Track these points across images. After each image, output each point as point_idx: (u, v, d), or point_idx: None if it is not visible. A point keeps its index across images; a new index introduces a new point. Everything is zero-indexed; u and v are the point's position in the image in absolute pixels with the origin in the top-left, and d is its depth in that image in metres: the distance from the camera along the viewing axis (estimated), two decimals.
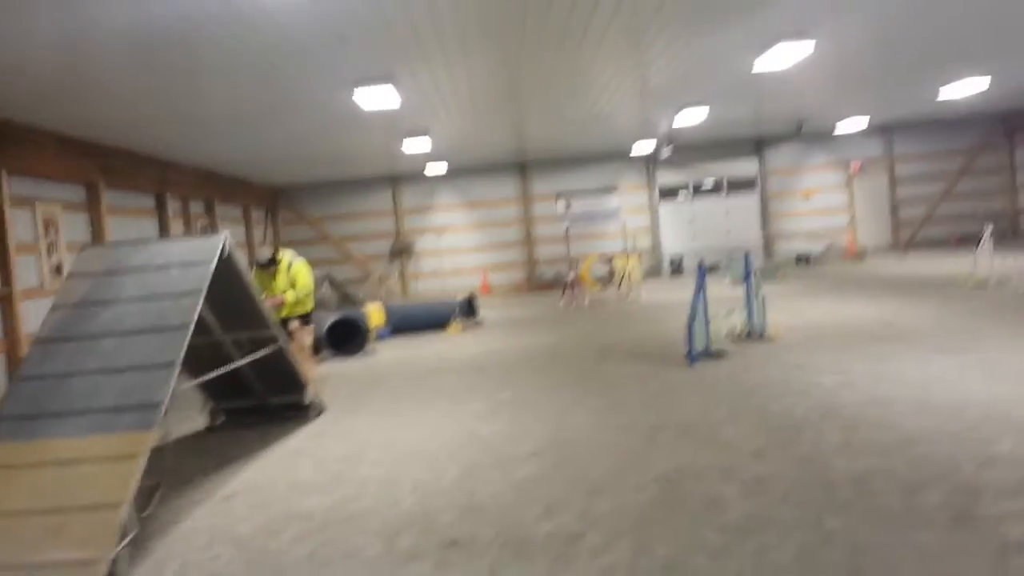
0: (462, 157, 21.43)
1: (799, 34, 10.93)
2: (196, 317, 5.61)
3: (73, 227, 13.26)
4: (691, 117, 17.49)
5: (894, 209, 24.85)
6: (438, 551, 4.62)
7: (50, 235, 12.41)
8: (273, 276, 10.00)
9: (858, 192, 24.79)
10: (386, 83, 11.29)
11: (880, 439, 5.85)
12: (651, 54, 11.51)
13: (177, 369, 5.27)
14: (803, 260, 23.39)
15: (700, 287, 9.71)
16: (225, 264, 6.43)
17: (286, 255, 10.22)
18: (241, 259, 7.01)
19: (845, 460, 5.47)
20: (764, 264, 21.14)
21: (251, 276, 8.01)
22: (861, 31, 11.45)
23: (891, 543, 4.12)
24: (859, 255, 23.19)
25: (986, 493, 4.63)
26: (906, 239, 24.70)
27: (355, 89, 11.43)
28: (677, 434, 6.57)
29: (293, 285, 9.98)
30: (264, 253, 10.12)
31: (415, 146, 17.68)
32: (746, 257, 10.93)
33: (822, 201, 24.82)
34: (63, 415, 5.02)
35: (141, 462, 4.77)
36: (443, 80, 11.83)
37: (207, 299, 7.03)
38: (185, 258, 6.04)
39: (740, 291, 11.46)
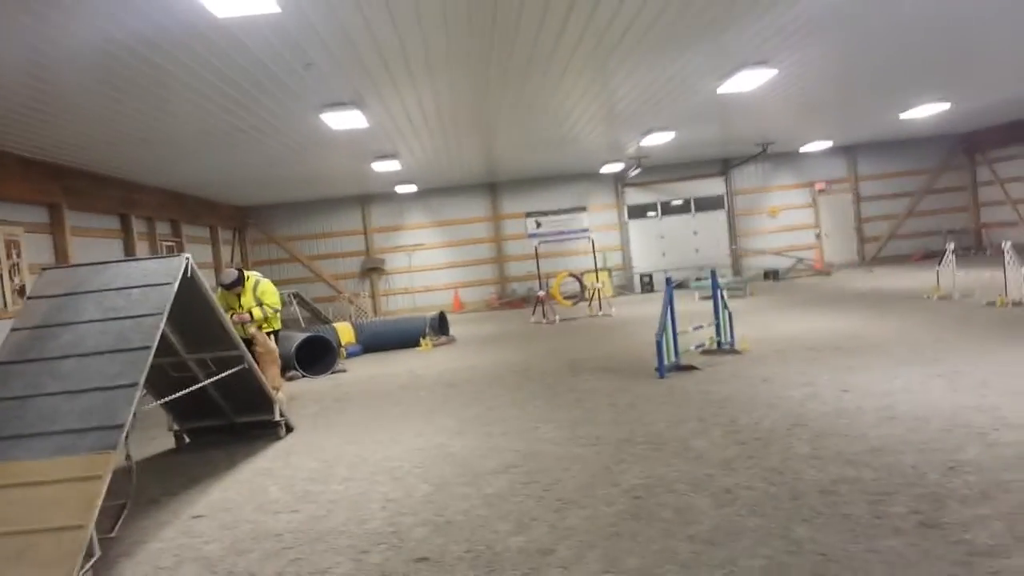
0: (432, 178, 21.48)
1: (760, 63, 11.19)
2: (158, 338, 5.55)
3: (36, 249, 13.10)
4: (658, 139, 17.71)
5: (859, 226, 25.23)
6: (408, 568, 4.58)
7: (12, 257, 12.23)
8: (238, 296, 9.95)
9: (824, 210, 25.16)
10: (353, 108, 11.34)
11: (847, 449, 5.89)
12: (616, 80, 11.68)
13: (139, 390, 5.20)
14: (771, 275, 23.62)
15: (668, 302, 9.77)
16: (188, 285, 6.37)
17: (251, 275, 10.18)
18: (208, 279, 6.97)
19: (813, 470, 5.51)
20: (732, 280, 21.31)
21: (215, 297, 7.92)
22: (821, 60, 11.74)
23: (859, 551, 4.14)
24: (826, 270, 23.45)
25: (951, 500, 4.68)
26: (872, 255, 25.07)
27: (322, 114, 11.46)
28: (647, 447, 6.58)
29: (260, 304, 9.94)
30: (229, 274, 10.08)
31: (385, 167, 17.69)
32: (713, 273, 11.02)
33: (789, 219, 25.17)
34: (25, 437, 4.92)
35: (104, 483, 4.68)
36: (411, 104, 11.88)
37: (171, 320, 6.97)
38: (146, 279, 5.97)
39: (709, 306, 11.51)
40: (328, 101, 10.99)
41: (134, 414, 5.18)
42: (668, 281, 10.07)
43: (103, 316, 5.73)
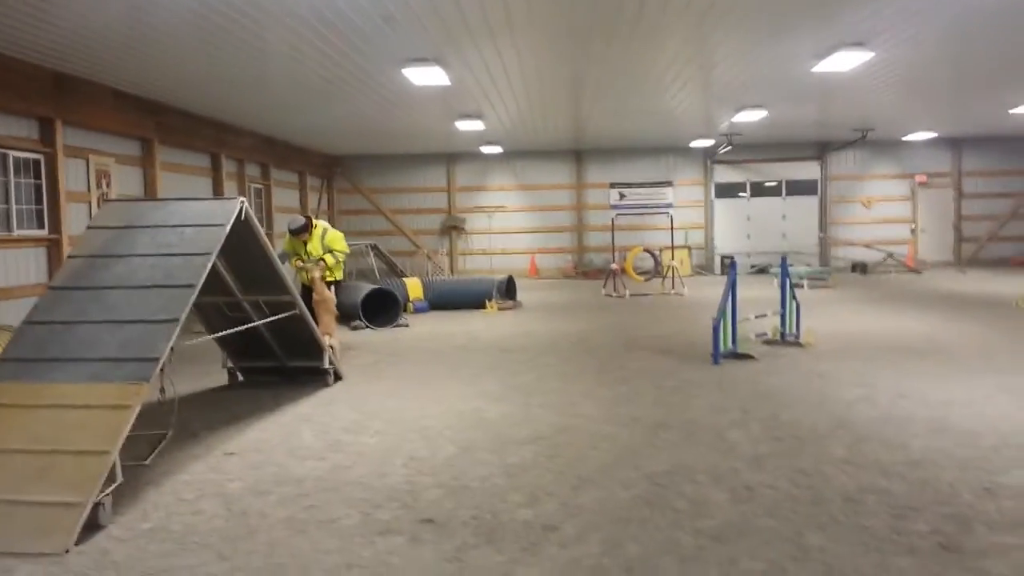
0: (517, 140, 21.38)
1: (860, 44, 10.75)
2: (204, 277, 5.67)
3: (127, 180, 13.58)
4: (750, 116, 17.23)
5: (958, 224, 24.12)
6: (412, 527, 4.62)
7: (102, 187, 12.72)
8: (305, 243, 10.14)
9: (922, 204, 24.14)
10: (434, 64, 11.33)
11: (885, 458, 5.67)
12: (711, 47, 11.27)
13: (179, 326, 5.34)
14: (859, 268, 22.84)
15: (730, 286, 9.53)
16: (243, 228, 6.51)
17: (319, 224, 10.37)
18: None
19: (844, 476, 5.32)
20: (813, 270, 20.67)
21: (275, 242, 8.09)
22: (922, 45, 11.17)
23: (867, 565, 3.98)
24: (917, 268, 22.52)
25: (979, 524, 4.45)
26: (968, 255, 23.96)
27: (404, 69, 11.50)
28: (681, 433, 6.46)
29: (330, 251, 10.14)
30: (296, 220, 10.27)
31: (468, 126, 17.69)
32: (783, 260, 10.69)
33: (884, 211, 24.25)
34: (64, 361, 5.12)
35: (133, 412, 4.84)
36: (494, 65, 11.79)
37: (228, 261, 7.19)
38: (200, 219, 6.11)
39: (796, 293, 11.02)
40: (409, 56, 11.00)
41: (172, 349, 5.33)
42: (732, 264, 9.82)
43: (155, 251, 5.90)
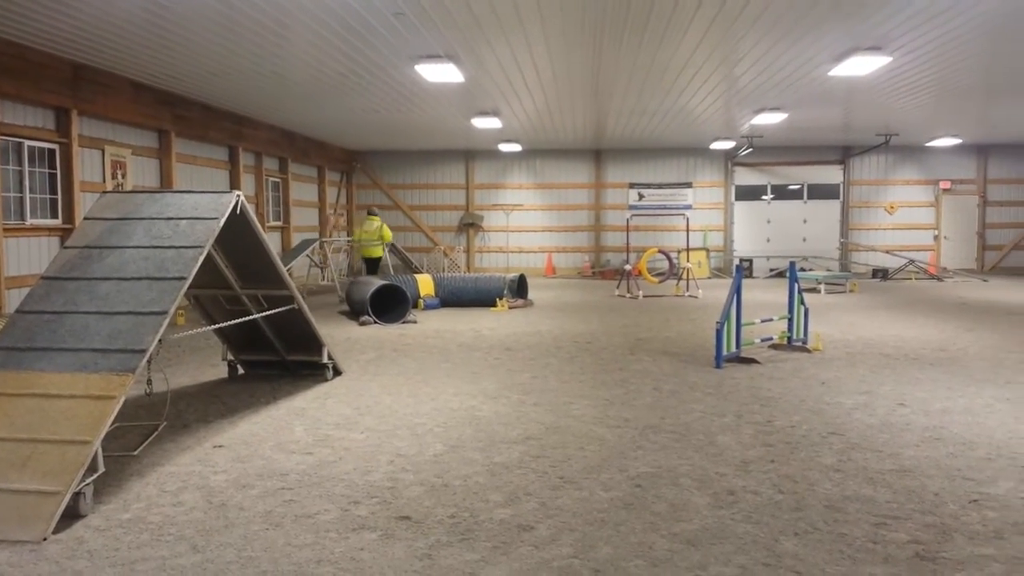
0: (535, 138, 21.36)
1: (876, 48, 10.75)
2: (195, 270, 5.70)
3: (143, 171, 13.74)
4: (769, 119, 17.10)
5: (981, 232, 23.78)
6: (388, 524, 4.62)
7: (117, 178, 12.85)
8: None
9: (945, 211, 23.83)
10: (447, 61, 11.37)
11: (874, 466, 5.59)
12: (738, 52, 11.20)
13: (168, 318, 5.37)
14: (880, 274, 22.58)
15: (735, 290, 9.45)
16: (238, 221, 6.54)
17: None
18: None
19: (830, 483, 5.25)
20: (831, 275, 20.47)
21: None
22: (949, 51, 11.04)
23: (837, 573, 3.93)
24: (939, 275, 22.24)
25: (959, 535, 4.38)
26: (992, 263, 23.64)
27: (418, 65, 11.55)
28: (671, 436, 6.42)
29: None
30: None
31: (486, 124, 17.70)
32: (792, 265, 10.57)
33: (907, 216, 24.00)
34: (52, 351, 5.16)
35: (117, 403, 4.88)
36: (507, 62, 11.80)
37: (225, 254, 7.23)
38: (195, 212, 6.13)
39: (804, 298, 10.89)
40: (422, 53, 11.03)
41: (160, 341, 5.37)
42: (738, 267, 9.74)
43: (148, 243, 5.94)
